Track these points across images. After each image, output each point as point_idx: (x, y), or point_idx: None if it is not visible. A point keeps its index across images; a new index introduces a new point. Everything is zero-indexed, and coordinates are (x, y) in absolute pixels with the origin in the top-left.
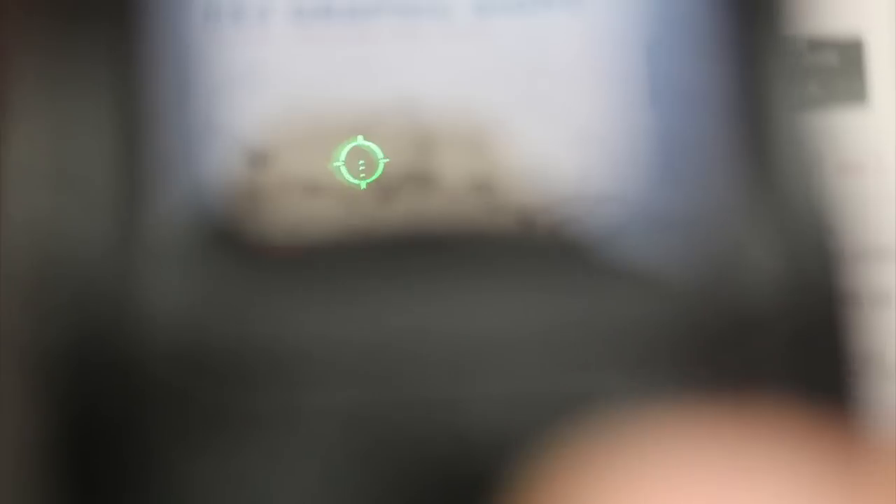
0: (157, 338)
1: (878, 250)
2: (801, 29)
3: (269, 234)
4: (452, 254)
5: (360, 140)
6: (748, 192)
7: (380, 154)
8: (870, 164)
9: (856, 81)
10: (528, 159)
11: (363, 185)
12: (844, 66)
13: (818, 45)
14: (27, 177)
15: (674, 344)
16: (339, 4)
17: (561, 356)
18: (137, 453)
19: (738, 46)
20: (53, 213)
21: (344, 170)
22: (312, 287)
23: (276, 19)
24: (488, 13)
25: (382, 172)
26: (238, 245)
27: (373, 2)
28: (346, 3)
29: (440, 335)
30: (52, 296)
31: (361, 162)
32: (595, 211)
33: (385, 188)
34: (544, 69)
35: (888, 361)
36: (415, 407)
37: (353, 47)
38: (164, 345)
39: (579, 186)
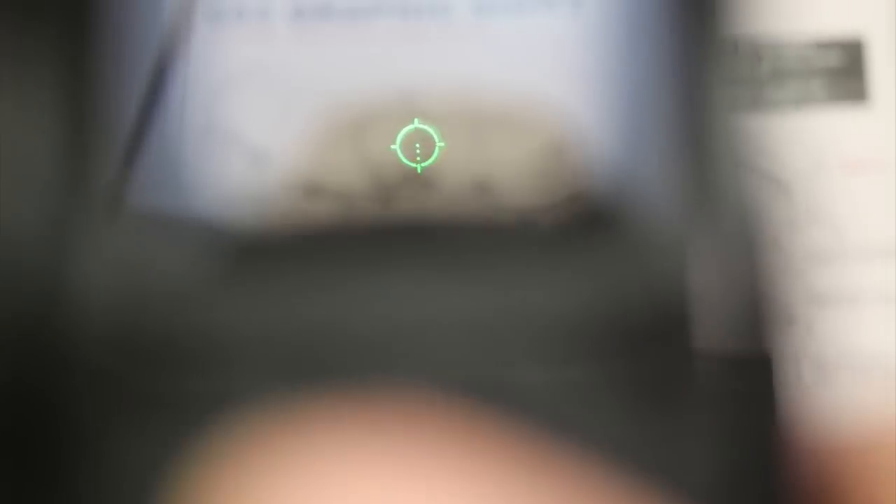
0: (91, 321)
1: (878, 250)
2: (742, 30)
3: (233, 227)
4: (390, 245)
5: (417, 123)
6: (687, 192)
7: (437, 138)
8: (870, 164)
9: (856, 81)
10: (528, 158)
11: (419, 168)
12: (844, 66)
13: (818, 45)
14: None
15: (597, 337)
16: (338, 4)
17: (480, 346)
18: (69, 435)
19: (683, 47)
20: None
21: (400, 153)
22: (247, 273)
23: (276, 19)
24: (488, 13)
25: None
26: (180, 232)
27: (372, 2)
28: (345, 3)
29: (376, 321)
30: None
31: (418, 145)
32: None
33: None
34: (544, 69)
35: (888, 361)
36: (345, 391)
37: (352, 47)
38: (99, 328)
39: (578, 183)
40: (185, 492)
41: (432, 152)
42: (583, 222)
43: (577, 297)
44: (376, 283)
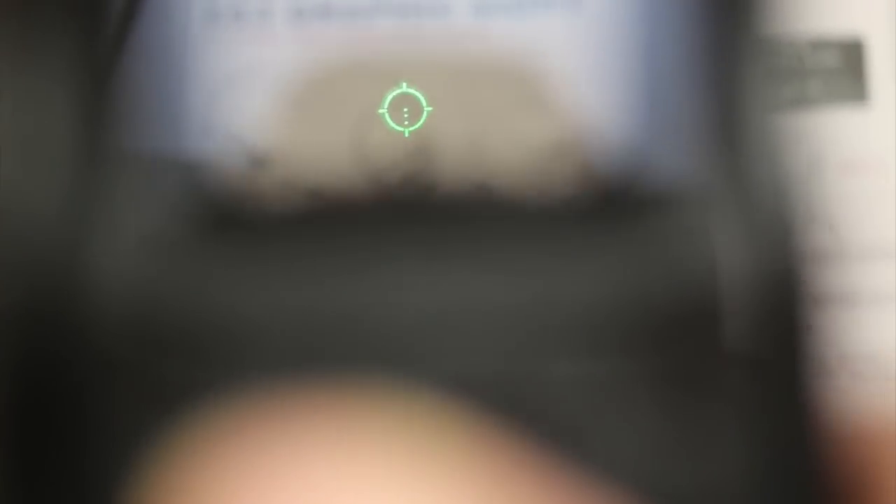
0: (109, 308)
1: (878, 250)
2: (781, 28)
3: (235, 201)
4: (421, 225)
5: (405, 87)
6: (718, 181)
7: (424, 102)
8: (870, 164)
9: (856, 81)
10: (528, 158)
11: (406, 132)
12: (844, 66)
13: (818, 44)
14: None
15: (625, 329)
16: (338, 5)
17: (500, 338)
18: (84, 424)
19: (716, 45)
20: (8, 179)
21: (388, 117)
22: (268, 260)
23: (276, 20)
24: (488, 13)
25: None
26: (197, 216)
27: (372, 2)
28: (345, 3)
29: (397, 310)
30: (4, 262)
31: (406, 109)
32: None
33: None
34: (544, 69)
35: (888, 361)
36: (363, 385)
37: (352, 47)
38: (116, 315)
39: (580, 184)
40: (179, 478)
41: (420, 116)
42: (603, 207)
43: (604, 287)
44: (394, 270)
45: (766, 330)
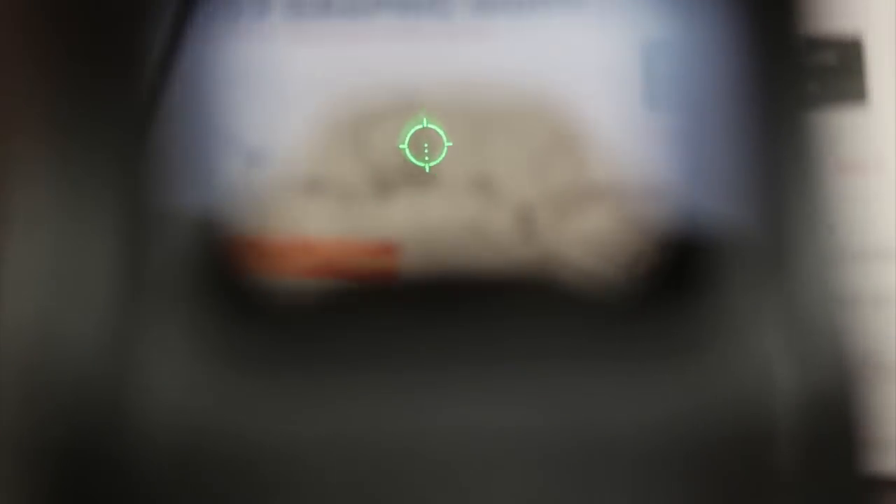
0: (153, 438)
1: (878, 250)
2: (808, 28)
3: (272, 289)
4: (464, 345)
5: (426, 123)
6: (768, 301)
7: (445, 137)
8: (870, 164)
9: (856, 81)
10: (528, 158)
11: (427, 167)
12: (844, 66)
13: (818, 45)
14: (27, 277)
15: (681, 457)
16: (337, 3)
17: (559, 469)
18: None
19: (749, 45)
20: (53, 312)
21: (408, 152)
22: (309, 388)
23: (274, 18)
24: (488, 13)
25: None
26: (236, 339)
27: (372, 1)
28: (345, 1)
29: (441, 438)
30: (49, 395)
31: (426, 144)
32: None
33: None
34: (544, 70)
35: (888, 361)
36: None
37: (352, 46)
38: (160, 445)
39: (578, 183)
40: None
41: (440, 152)
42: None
43: (656, 413)
44: (440, 395)
45: (821, 452)
